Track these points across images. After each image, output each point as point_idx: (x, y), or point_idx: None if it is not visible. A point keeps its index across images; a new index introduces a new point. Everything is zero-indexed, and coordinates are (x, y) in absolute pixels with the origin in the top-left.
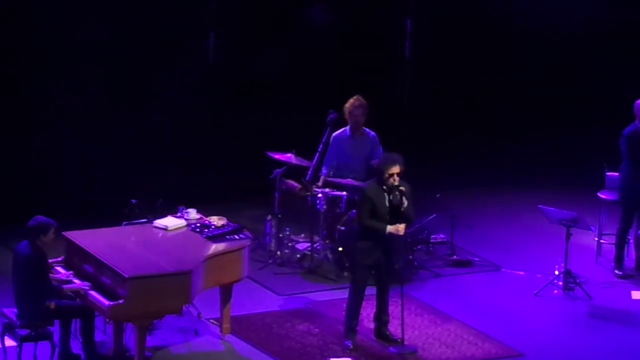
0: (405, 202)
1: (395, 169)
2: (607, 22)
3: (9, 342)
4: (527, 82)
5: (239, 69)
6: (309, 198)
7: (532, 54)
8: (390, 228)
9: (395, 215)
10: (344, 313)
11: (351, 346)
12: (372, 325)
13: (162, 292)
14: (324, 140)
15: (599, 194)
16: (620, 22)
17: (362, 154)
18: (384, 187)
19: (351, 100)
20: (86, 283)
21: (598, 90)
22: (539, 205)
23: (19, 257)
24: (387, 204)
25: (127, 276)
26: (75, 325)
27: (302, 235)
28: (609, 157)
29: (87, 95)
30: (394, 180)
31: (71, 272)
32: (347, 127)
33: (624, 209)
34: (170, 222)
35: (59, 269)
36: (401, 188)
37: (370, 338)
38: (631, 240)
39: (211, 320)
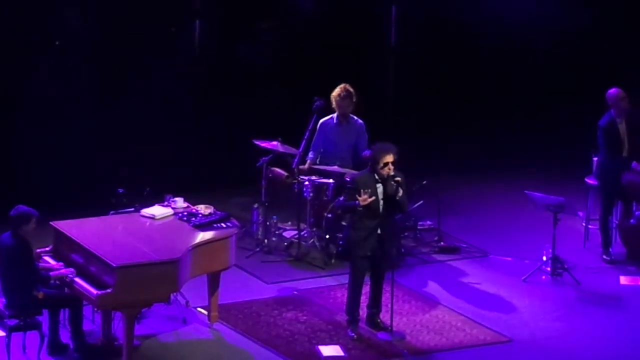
0: (401, 192)
1: (389, 158)
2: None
3: None
4: (515, 68)
5: (225, 57)
6: (295, 186)
7: (520, 39)
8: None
9: (390, 205)
10: (331, 300)
11: (355, 336)
12: (363, 314)
13: (150, 280)
14: (310, 128)
15: (586, 180)
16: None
17: (349, 141)
18: (377, 177)
19: (337, 90)
20: (71, 269)
21: (586, 76)
22: (526, 191)
23: (2, 248)
24: (379, 193)
25: (115, 265)
26: (64, 314)
27: (289, 223)
28: (596, 142)
29: (72, 84)
30: (389, 169)
31: (61, 262)
32: (335, 114)
33: (604, 198)
34: (157, 211)
35: (47, 258)
36: (397, 179)
37: (359, 326)
38: (614, 225)
39: (199, 309)
